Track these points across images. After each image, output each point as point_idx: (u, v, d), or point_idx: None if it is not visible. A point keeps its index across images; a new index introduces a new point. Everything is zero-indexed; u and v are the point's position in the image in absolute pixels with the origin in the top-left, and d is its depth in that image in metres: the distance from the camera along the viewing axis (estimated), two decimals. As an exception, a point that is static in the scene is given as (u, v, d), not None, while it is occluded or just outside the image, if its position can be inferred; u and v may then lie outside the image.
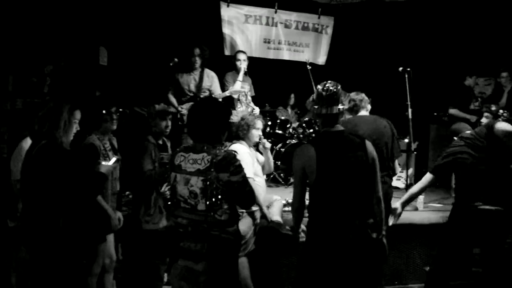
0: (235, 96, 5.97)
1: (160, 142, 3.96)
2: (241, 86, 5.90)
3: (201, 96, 5.66)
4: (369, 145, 2.94)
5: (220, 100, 5.55)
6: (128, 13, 6.38)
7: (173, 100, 5.69)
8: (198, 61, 5.66)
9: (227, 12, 7.21)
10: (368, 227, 2.86)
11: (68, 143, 3.07)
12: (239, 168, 2.65)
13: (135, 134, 5.34)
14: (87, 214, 3.17)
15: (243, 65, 5.95)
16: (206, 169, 2.58)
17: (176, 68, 5.66)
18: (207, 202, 2.59)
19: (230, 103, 5.97)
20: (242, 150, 3.87)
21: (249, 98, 6.06)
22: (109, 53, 6.35)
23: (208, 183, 2.57)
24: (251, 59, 7.17)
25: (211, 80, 5.76)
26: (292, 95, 7.74)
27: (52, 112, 3.01)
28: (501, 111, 5.17)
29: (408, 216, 4.69)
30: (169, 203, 2.74)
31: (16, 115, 5.10)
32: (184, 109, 5.65)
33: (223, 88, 5.91)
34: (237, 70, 5.97)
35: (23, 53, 5.25)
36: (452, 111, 6.47)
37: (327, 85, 2.95)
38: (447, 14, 7.24)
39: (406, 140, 5.87)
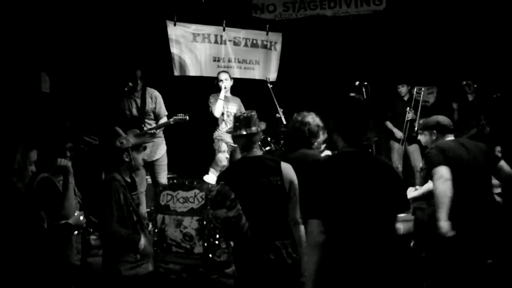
0: (218, 116, 5.80)
1: (129, 179, 3.33)
2: (223, 106, 5.78)
3: (146, 120, 5.29)
4: (285, 168, 2.92)
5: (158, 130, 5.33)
6: (71, 36, 5.98)
7: (120, 131, 5.22)
8: (140, 83, 5.31)
9: (174, 31, 6.98)
10: (288, 247, 2.81)
11: (23, 188, 2.76)
12: (235, 202, 2.45)
13: (90, 168, 5.02)
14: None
15: (224, 84, 5.82)
16: (201, 207, 2.37)
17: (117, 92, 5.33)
18: (205, 244, 2.36)
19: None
20: (211, 179, 3.67)
21: None
22: (51, 79, 5.91)
23: (205, 222, 2.35)
24: (202, 79, 7.03)
25: (154, 101, 5.36)
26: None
27: (4, 155, 2.69)
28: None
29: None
30: (155, 248, 2.44)
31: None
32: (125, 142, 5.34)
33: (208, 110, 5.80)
34: (219, 91, 5.83)
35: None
36: (387, 123, 6.71)
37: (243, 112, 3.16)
38: (388, 26, 7.42)
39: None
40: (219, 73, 6.14)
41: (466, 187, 3.36)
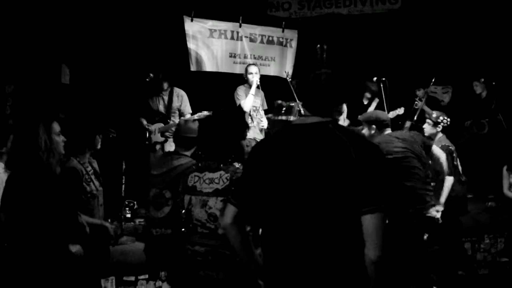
0: (247, 111, 5.73)
1: None
2: (253, 101, 5.73)
3: (171, 117, 5.61)
4: None
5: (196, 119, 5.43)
6: (90, 29, 6.07)
7: (144, 122, 5.64)
8: (165, 83, 5.65)
9: (191, 27, 7.02)
10: None
11: (57, 162, 2.80)
12: None
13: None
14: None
15: (255, 78, 5.79)
16: (225, 188, 2.39)
17: (148, 88, 5.58)
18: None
19: (242, 118, 5.76)
20: None
21: (261, 112, 5.86)
22: (71, 71, 6.00)
23: (228, 203, 2.37)
24: (218, 74, 7.08)
25: (180, 100, 5.70)
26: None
27: (28, 135, 2.73)
28: (441, 118, 5.06)
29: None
30: (182, 229, 2.49)
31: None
32: (153, 128, 5.62)
33: (235, 103, 5.82)
34: (249, 84, 5.83)
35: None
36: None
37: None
38: (404, 25, 7.44)
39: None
40: (249, 65, 6.13)
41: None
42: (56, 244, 2.70)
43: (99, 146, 3.70)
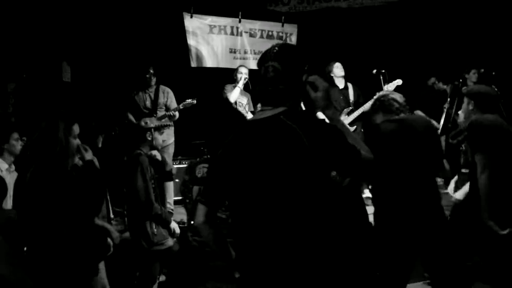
0: (232, 101, 5.81)
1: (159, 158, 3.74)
2: (238, 97, 5.81)
3: (158, 112, 5.64)
4: None
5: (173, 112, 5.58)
6: (91, 27, 6.09)
7: (132, 118, 5.63)
8: (153, 79, 5.68)
9: (191, 23, 7.05)
10: None
11: (69, 164, 2.78)
12: None
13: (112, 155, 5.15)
14: (84, 241, 2.90)
15: (244, 76, 5.85)
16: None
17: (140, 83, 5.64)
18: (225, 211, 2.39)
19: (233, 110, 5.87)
20: None
21: (246, 109, 5.93)
22: (72, 69, 6.03)
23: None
24: (218, 70, 7.11)
25: (166, 96, 5.75)
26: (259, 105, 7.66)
27: (45, 133, 2.71)
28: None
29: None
30: (192, 222, 2.50)
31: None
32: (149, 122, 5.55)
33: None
34: (237, 81, 5.86)
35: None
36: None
37: None
38: (403, 17, 7.44)
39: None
40: (239, 66, 6.18)
41: None
42: (72, 243, 2.68)
43: (100, 145, 3.71)
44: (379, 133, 3.13)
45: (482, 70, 6.26)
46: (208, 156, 5.65)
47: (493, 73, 6.25)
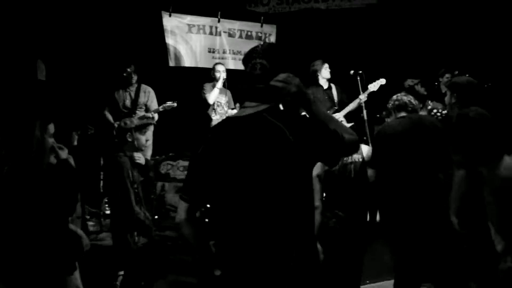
0: (211, 102, 5.80)
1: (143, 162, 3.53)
2: (218, 96, 5.81)
3: (137, 112, 5.57)
4: None
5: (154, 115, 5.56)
6: (66, 24, 6.01)
7: (109, 116, 5.58)
8: (134, 77, 5.64)
9: (170, 22, 7.03)
10: None
11: (44, 163, 2.74)
12: None
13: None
14: (58, 240, 2.85)
15: (222, 75, 5.83)
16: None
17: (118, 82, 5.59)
18: (202, 209, 2.41)
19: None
20: None
21: (225, 109, 5.92)
22: (47, 67, 5.94)
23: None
24: (197, 69, 7.08)
25: (147, 96, 5.70)
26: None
27: (21, 132, 2.67)
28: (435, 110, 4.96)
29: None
30: (155, 217, 2.49)
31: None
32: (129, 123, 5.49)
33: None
34: (216, 80, 5.84)
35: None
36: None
37: None
38: (381, 19, 7.51)
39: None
40: (216, 64, 6.15)
41: None
42: (46, 242, 2.65)
43: (75, 143, 3.66)
44: (388, 130, 3.35)
45: (457, 72, 6.35)
46: (172, 154, 5.65)
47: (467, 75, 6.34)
